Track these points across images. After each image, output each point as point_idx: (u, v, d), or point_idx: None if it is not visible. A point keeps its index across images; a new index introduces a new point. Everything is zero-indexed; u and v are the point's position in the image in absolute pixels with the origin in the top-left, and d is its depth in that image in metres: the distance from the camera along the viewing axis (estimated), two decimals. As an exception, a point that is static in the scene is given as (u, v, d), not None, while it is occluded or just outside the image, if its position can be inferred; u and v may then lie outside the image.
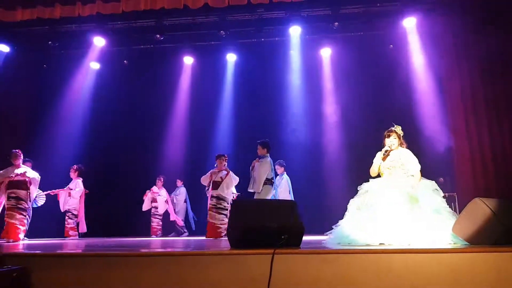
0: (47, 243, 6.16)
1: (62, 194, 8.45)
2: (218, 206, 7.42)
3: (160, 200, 9.74)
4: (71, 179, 8.65)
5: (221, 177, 7.59)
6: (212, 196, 7.47)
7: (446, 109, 8.67)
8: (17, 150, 7.05)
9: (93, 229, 8.95)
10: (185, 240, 7.09)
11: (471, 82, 8.35)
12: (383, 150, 4.67)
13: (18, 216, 6.68)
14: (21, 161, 7.06)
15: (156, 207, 9.74)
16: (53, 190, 8.40)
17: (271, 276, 2.76)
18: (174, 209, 9.94)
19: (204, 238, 7.43)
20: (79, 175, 8.58)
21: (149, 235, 9.56)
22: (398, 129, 4.82)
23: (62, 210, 8.45)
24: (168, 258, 2.96)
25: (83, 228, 8.52)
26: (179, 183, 10.30)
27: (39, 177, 7.20)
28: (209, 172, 7.67)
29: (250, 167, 7.25)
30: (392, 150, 4.67)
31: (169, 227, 9.96)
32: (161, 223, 9.79)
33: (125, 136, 10.63)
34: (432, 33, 8.81)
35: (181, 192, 10.20)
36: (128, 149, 10.59)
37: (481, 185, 7.92)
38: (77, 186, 8.47)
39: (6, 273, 2.72)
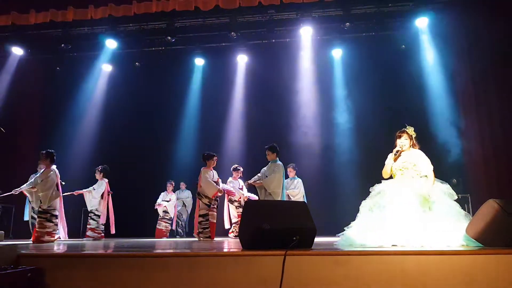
0: (61, 243, 6.22)
1: (86, 195, 8.51)
2: (215, 206, 7.43)
3: (169, 204, 9.80)
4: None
5: (217, 178, 7.60)
6: None
7: (459, 110, 8.61)
8: (43, 152, 7.03)
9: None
10: (196, 241, 7.10)
11: (484, 82, 8.27)
12: (394, 150, 4.64)
13: (37, 219, 6.75)
14: (46, 162, 6.94)
15: (165, 211, 9.79)
16: (77, 191, 8.46)
17: (283, 277, 2.75)
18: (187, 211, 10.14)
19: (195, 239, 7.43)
20: (104, 176, 8.60)
21: (153, 237, 9.59)
22: (410, 130, 4.77)
23: (89, 210, 8.54)
24: (181, 259, 2.97)
25: (111, 229, 8.54)
26: (182, 186, 10.35)
27: (35, 175, 7.12)
28: (207, 178, 7.33)
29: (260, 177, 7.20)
30: (403, 150, 4.63)
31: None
32: (169, 227, 9.83)
33: (136, 137, 10.68)
34: (445, 32, 8.78)
35: (189, 195, 10.27)
36: (138, 150, 10.63)
37: (494, 186, 7.83)
38: (99, 186, 8.52)
39: (21, 273, 2.75)
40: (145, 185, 10.28)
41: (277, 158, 7.17)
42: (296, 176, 8.49)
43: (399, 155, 4.63)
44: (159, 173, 10.42)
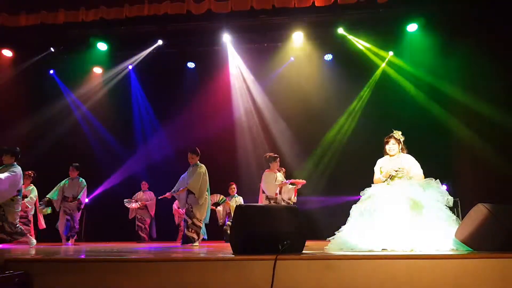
0: (50, 248, 6.16)
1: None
2: None
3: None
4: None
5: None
6: None
7: (448, 114, 8.70)
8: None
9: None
10: (184, 246, 7.04)
11: (473, 87, 8.37)
12: (387, 174, 4.56)
13: None
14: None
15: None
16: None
17: (273, 282, 2.74)
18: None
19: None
20: (31, 182, 8.24)
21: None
22: (397, 134, 4.79)
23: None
24: (170, 264, 2.95)
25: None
26: (144, 186, 10.09)
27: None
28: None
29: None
30: (397, 175, 4.50)
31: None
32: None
33: (127, 139, 10.63)
34: (434, 37, 8.85)
35: (152, 196, 10.03)
36: (128, 152, 10.56)
37: (483, 190, 7.90)
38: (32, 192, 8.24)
39: (8, 278, 2.71)
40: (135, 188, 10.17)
41: (198, 161, 7.14)
42: (236, 194, 8.96)
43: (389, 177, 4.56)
44: (147, 175, 10.32)
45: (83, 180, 8.11)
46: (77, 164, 8.22)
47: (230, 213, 8.70)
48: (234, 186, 9.02)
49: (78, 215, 8.02)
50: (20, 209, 6.66)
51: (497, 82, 8.19)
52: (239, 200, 8.87)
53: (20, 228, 6.54)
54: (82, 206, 8.07)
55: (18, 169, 6.50)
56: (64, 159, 9.15)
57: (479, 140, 8.19)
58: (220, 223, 8.83)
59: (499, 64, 8.17)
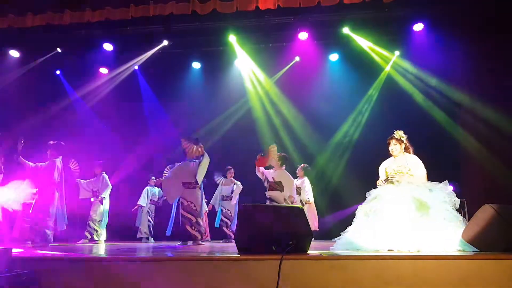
0: (56, 247, 6.18)
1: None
2: None
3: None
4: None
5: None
6: None
7: (455, 113, 8.66)
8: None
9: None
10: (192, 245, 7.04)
11: (479, 84, 8.31)
12: (383, 180, 4.63)
13: None
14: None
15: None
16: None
17: (279, 282, 2.74)
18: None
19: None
20: None
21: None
22: (398, 134, 4.78)
23: None
24: (177, 263, 2.96)
25: None
26: (152, 182, 10.11)
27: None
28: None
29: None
30: (392, 180, 4.57)
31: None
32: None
33: (133, 141, 10.63)
34: (442, 37, 8.80)
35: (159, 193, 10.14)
36: (133, 155, 10.57)
37: (490, 191, 7.84)
38: None
39: (16, 277, 2.73)
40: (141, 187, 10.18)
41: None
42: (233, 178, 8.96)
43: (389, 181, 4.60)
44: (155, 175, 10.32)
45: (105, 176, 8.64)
46: (100, 161, 8.81)
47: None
48: (232, 170, 8.94)
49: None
50: (54, 208, 6.52)
51: (506, 83, 8.13)
52: (238, 184, 8.83)
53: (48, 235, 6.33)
54: (102, 201, 8.49)
55: (55, 163, 6.84)
56: (69, 159, 9.21)
57: (486, 140, 8.13)
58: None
59: (508, 65, 8.11)
